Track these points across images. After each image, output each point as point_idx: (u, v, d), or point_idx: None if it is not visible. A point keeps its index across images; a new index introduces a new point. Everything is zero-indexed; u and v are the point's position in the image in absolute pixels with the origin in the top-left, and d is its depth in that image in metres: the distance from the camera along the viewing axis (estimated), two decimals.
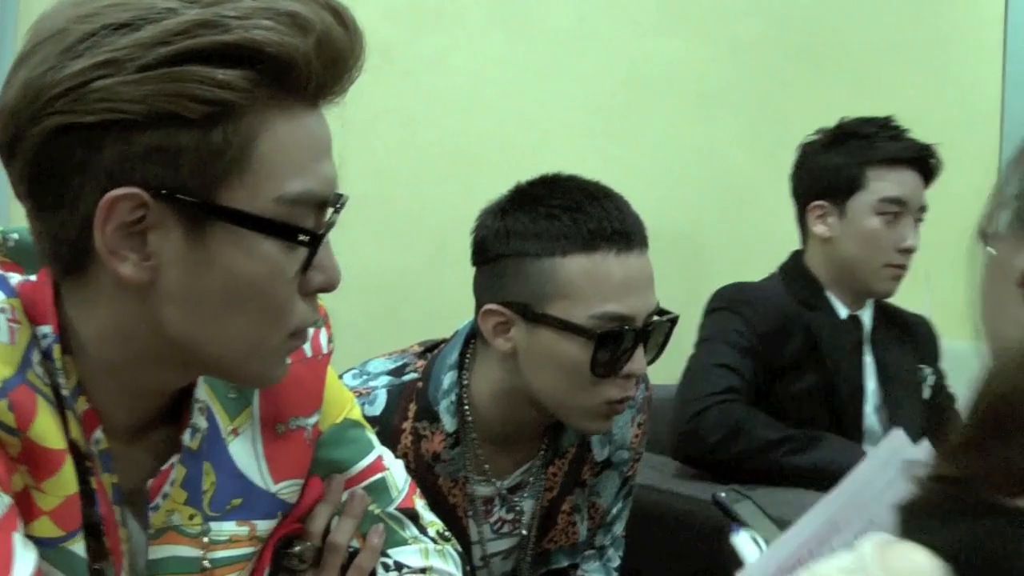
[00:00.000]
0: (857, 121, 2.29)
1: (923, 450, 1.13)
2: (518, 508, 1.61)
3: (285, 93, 0.87)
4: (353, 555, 1.13)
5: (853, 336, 2.29)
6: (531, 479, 1.61)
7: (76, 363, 0.91)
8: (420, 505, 1.22)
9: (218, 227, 0.86)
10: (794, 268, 2.36)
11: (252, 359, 0.93)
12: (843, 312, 2.29)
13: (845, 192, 2.24)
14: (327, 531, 1.12)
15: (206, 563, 1.01)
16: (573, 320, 1.41)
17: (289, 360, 0.99)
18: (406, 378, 1.55)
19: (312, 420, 1.11)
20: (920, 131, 2.28)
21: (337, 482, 1.15)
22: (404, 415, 1.52)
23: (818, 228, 2.29)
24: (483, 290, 1.50)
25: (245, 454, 1.05)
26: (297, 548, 1.10)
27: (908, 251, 2.23)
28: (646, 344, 1.45)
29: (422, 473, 1.52)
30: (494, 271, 1.48)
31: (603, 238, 1.41)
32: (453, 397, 1.52)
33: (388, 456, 1.21)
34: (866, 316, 2.33)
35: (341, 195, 0.94)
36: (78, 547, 0.90)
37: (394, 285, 2.51)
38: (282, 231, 0.88)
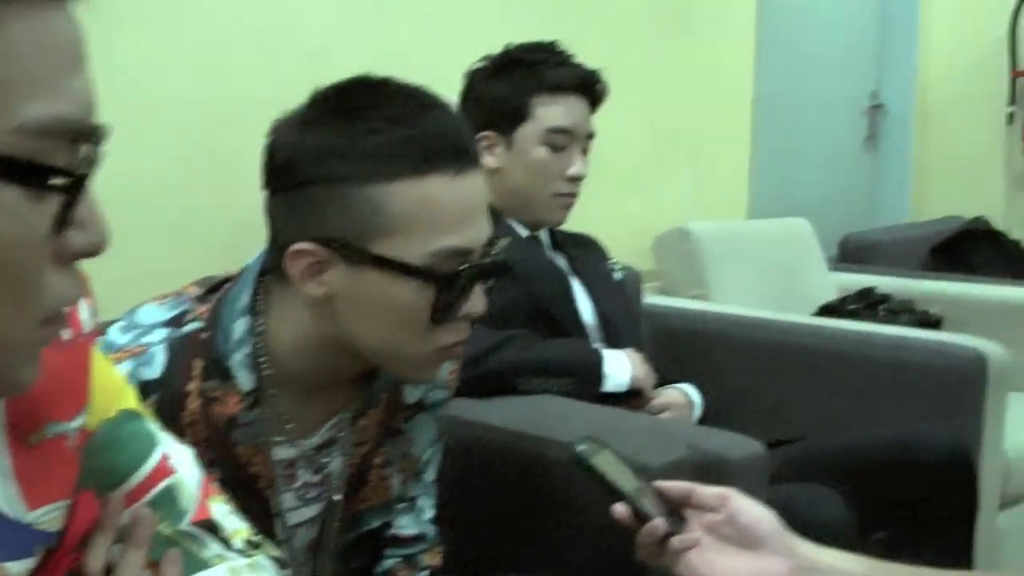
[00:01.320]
0: (522, 48, 2.21)
1: None
2: (326, 469, 1.38)
3: None
4: None
5: (537, 248, 2.26)
6: (340, 434, 1.38)
7: None
8: (219, 511, 0.98)
9: None
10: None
11: None
12: (523, 232, 2.24)
13: (511, 123, 2.17)
14: (109, 568, 0.89)
15: None
16: (406, 259, 1.18)
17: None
18: (188, 328, 1.27)
19: (75, 423, 0.86)
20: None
21: (115, 503, 0.90)
22: (189, 375, 1.26)
23: (487, 159, 2.18)
24: (284, 223, 1.24)
25: None
26: None
27: (576, 179, 2.19)
28: (483, 279, 1.24)
29: (216, 443, 1.27)
30: (300, 201, 1.22)
31: (439, 158, 1.18)
32: (248, 349, 1.26)
33: (173, 448, 0.97)
34: (543, 235, 2.31)
35: (100, 126, 0.68)
36: None
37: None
38: (24, 172, 0.62)
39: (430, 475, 1.53)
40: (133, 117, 1.96)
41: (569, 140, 2.15)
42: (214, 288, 1.32)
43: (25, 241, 0.64)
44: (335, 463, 1.38)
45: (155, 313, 1.29)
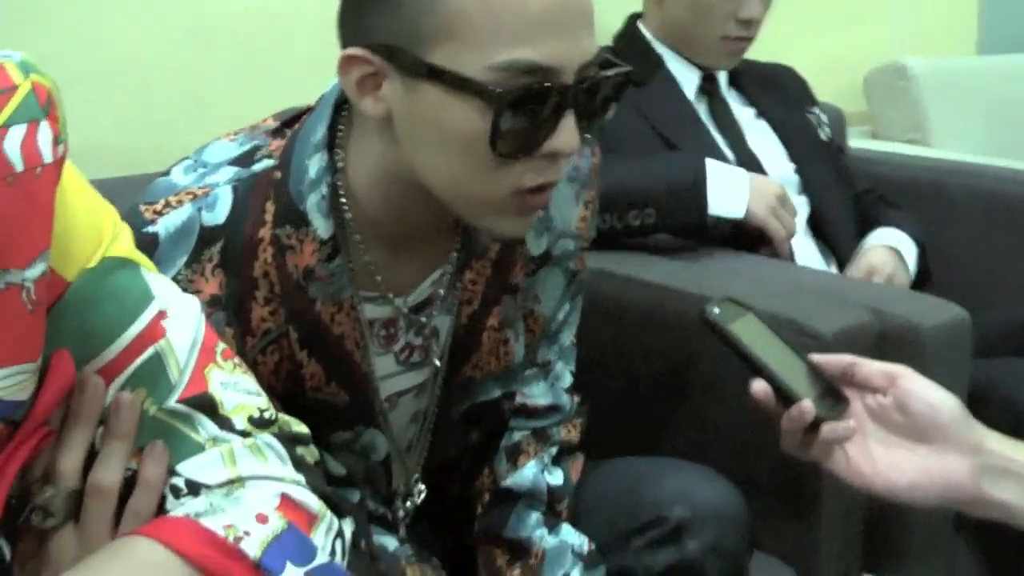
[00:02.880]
0: None
1: None
2: (430, 329, 1.20)
3: None
4: (130, 483, 0.75)
5: (674, 92, 1.92)
6: (442, 291, 1.19)
7: None
8: (219, 381, 0.81)
9: None
10: (626, 35, 1.98)
11: None
12: (683, 71, 1.93)
13: None
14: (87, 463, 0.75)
15: None
16: (464, 72, 0.96)
17: None
18: (258, 167, 1.10)
19: (33, 272, 0.71)
20: None
21: (93, 385, 0.76)
22: (260, 220, 1.09)
23: None
24: (345, 28, 1.05)
25: None
26: (44, 496, 0.74)
27: (749, 22, 1.86)
28: (578, 109, 1.00)
29: (292, 298, 1.10)
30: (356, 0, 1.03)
31: None
32: (324, 189, 1.08)
33: (174, 302, 0.82)
34: (722, 79, 1.98)
35: None
36: None
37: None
38: None
39: (567, 337, 1.35)
40: None
41: None
42: (291, 121, 1.14)
43: None
44: (439, 323, 1.21)
45: (224, 150, 1.12)
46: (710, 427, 1.44)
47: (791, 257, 1.74)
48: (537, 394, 1.33)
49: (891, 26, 3.08)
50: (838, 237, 1.90)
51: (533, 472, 1.29)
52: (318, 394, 1.15)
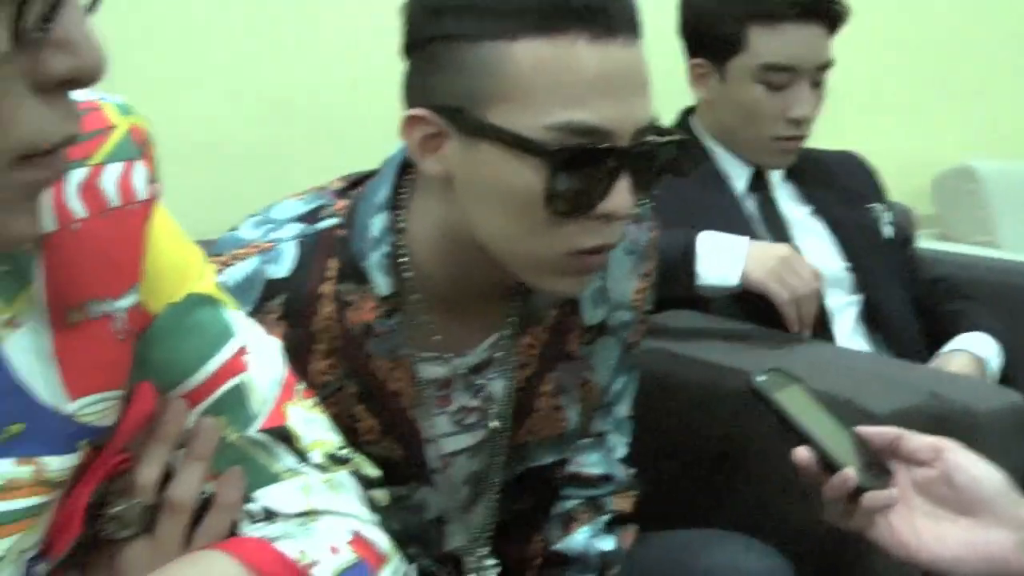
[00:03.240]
0: None
1: None
2: (486, 392, 1.22)
3: None
4: (205, 504, 0.78)
5: (722, 188, 1.92)
6: (499, 354, 1.22)
7: None
8: (298, 417, 0.84)
9: None
10: (679, 128, 1.97)
11: None
12: (737, 170, 1.93)
13: (723, 52, 1.85)
14: (164, 479, 0.78)
15: None
16: (522, 131, 1.00)
17: (68, 167, 0.67)
18: (323, 225, 1.14)
19: (124, 302, 0.75)
20: None
21: (176, 407, 0.79)
22: (322, 275, 1.13)
23: (699, 90, 1.92)
24: (409, 90, 1.09)
25: (26, 356, 0.70)
26: (117, 508, 0.76)
27: (800, 122, 1.85)
28: (633, 173, 1.03)
29: (351, 353, 1.14)
30: (421, 62, 1.07)
31: (570, 15, 0.99)
32: (386, 248, 1.12)
33: (255, 340, 0.84)
34: (776, 176, 1.97)
35: None
36: None
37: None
38: None
39: (622, 409, 1.37)
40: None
41: (792, 77, 1.83)
42: (356, 182, 1.19)
43: None
44: (495, 386, 1.23)
45: (291, 207, 1.17)
46: (760, 501, 1.44)
47: (808, 327, 1.68)
48: (591, 463, 1.34)
49: (959, 129, 3.08)
50: (898, 333, 1.89)
51: (585, 538, 1.30)
52: (373, 448, 1.17)
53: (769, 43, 1.81)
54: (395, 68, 1.10)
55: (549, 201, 1.01)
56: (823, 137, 2.16)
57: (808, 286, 1.65)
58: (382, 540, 0.82)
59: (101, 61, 0.59)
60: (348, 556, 0.78)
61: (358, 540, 0.80)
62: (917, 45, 2.93)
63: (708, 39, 1.87)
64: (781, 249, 1.68)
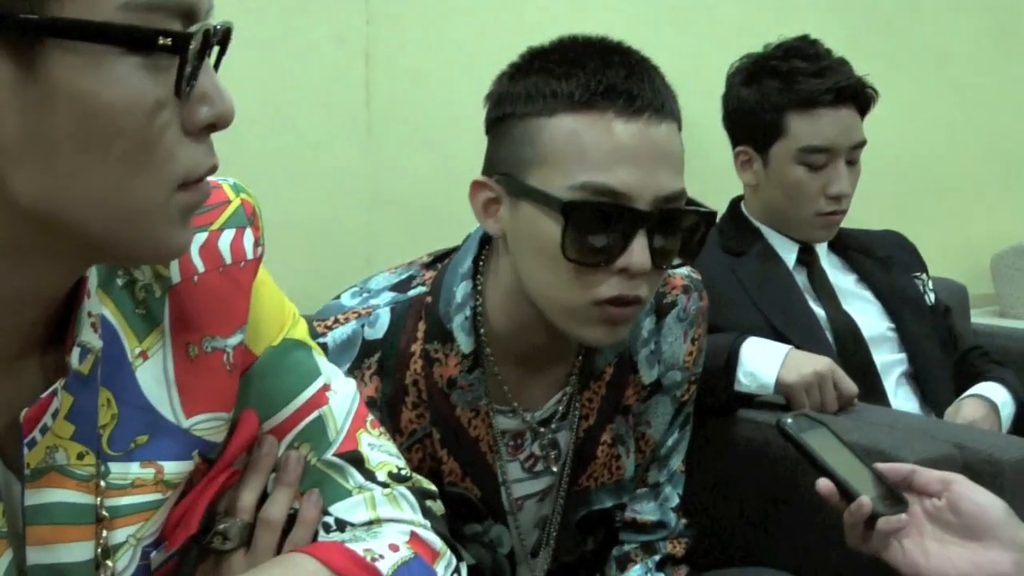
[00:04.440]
0: (777, 52, 2.03)
1: None
2: (552, 442, 1.39)
3: None
4: (292, 518, 0.95)
5: (773, 259, 2.07)
6: (564, 408, 1.39)
7: None
8: (367, 443, 1.00)
9: (52, 47, 0.66)
10: (730, 215, 2.15)
11: (136, 221, 0.73)
12: (786, 248, 2.08)
13: (765, 139, 2.01)
14: (260, 501, 0.95)
15: (104, 512, 0.82)
16: (550, 191, 1.18)
17: (194, 232, 0.83)
18: (413, 293, 1.33)
19: (233, 340, 0.91)
20: None
21: (269, 443, 0.96)
22: (412, 336, 1.31)
23: (745, 176, 2.07)
24: (484, 163, 1.30)
25: (155, 381, 0.86)
26: (222, 526, 0.93)
27: (838, 198, 2.00)
28: (651, 234, 1.18)
29: (437, 403, 1.31)
30: (490, 138, 1.28)
31: (599, 95, 1.17)
32: (468, 311, 1.30)
33: (336, 380, 1.01)
34: (821, 249, 2.12)
35: (204, 3, 0.73)
36: None
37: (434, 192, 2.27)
38: (133, 38, 0.68)
39: (675, 462, 1.51)
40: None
41: (829, 157, 1.98)
42: (442, 256, 1.38)
43: (146, 108, 0.69)
44: (560, 437, 1.39)
45: (385, 279, 1.36)
46: (804, 543, 1.56)
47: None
48: (646, 511, 1.49)
49: (1017, 209, 3.16)
50: (936, 393, 2.01)
51: (638, 574, 1.45)
52: (455, 488, 1.34)
53: (807, 128, 1.97)
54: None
55: (564, 250, 1.17)
56: (886, 219, 2.30)
57: (833, 406, 1.70)
58: (436, 540, 0.96)
59: (232, 109, 0.75)
60: (406, 552, 0.92)
61: (415, 539, 0.94)
62: (974, 130, 3.03)
63: (751, 128, 2.03)
64: (819, 363, 1.71)
